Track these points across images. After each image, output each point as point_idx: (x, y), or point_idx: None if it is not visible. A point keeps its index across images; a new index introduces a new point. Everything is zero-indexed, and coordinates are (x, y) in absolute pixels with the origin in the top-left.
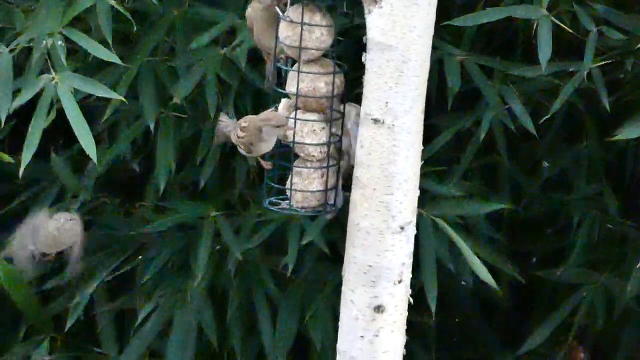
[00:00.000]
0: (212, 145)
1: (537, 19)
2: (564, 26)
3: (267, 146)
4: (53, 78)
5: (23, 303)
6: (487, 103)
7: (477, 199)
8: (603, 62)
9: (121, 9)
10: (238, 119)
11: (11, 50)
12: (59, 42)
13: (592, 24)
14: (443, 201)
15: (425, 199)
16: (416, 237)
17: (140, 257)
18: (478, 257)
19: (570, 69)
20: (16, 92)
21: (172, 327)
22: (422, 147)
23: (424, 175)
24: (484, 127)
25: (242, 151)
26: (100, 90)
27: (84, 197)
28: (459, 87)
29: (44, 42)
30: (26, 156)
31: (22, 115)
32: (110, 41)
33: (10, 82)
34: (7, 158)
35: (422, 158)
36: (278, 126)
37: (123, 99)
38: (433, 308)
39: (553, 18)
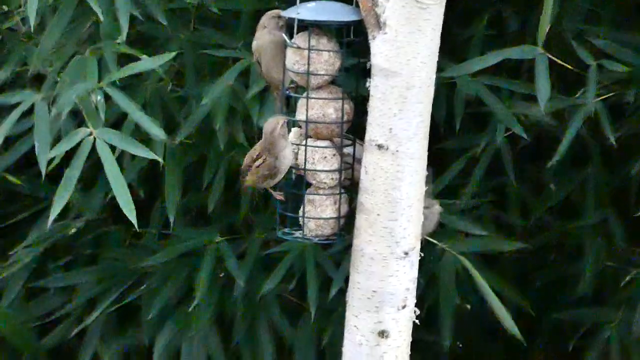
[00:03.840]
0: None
1: (535, 57)
2: (562, 63)
3: (288, 154)
4: (91, 133)
5: (18, 340)
6: (497, 120)
7: (494, 237)
8: (605, 96)
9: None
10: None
11: (49, 104)
12: (99, 98)
13: (591, 58)
14: (462, 238)
15: (444, 232)
16: (435, 270)
17: (143, 287)
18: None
19: (573, 104)
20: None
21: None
22: (427, 173)
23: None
24: (500, 131)
25: (262, 185)
26: (138, 150)
27: (90, 215)
28: (467, 110)
29: (89, 97)
30: (57, 206)
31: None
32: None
33: (48, 133)
34: (13, 179)
35: (435, 190)
36: (280, 126)
37: (160, 160)
38: (447, 344)
39: (550, 55)
